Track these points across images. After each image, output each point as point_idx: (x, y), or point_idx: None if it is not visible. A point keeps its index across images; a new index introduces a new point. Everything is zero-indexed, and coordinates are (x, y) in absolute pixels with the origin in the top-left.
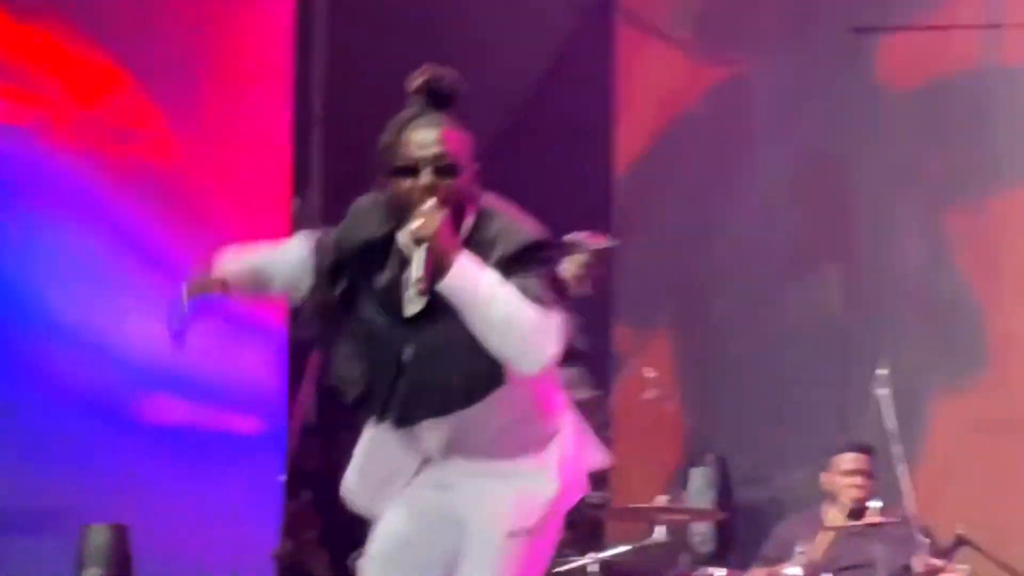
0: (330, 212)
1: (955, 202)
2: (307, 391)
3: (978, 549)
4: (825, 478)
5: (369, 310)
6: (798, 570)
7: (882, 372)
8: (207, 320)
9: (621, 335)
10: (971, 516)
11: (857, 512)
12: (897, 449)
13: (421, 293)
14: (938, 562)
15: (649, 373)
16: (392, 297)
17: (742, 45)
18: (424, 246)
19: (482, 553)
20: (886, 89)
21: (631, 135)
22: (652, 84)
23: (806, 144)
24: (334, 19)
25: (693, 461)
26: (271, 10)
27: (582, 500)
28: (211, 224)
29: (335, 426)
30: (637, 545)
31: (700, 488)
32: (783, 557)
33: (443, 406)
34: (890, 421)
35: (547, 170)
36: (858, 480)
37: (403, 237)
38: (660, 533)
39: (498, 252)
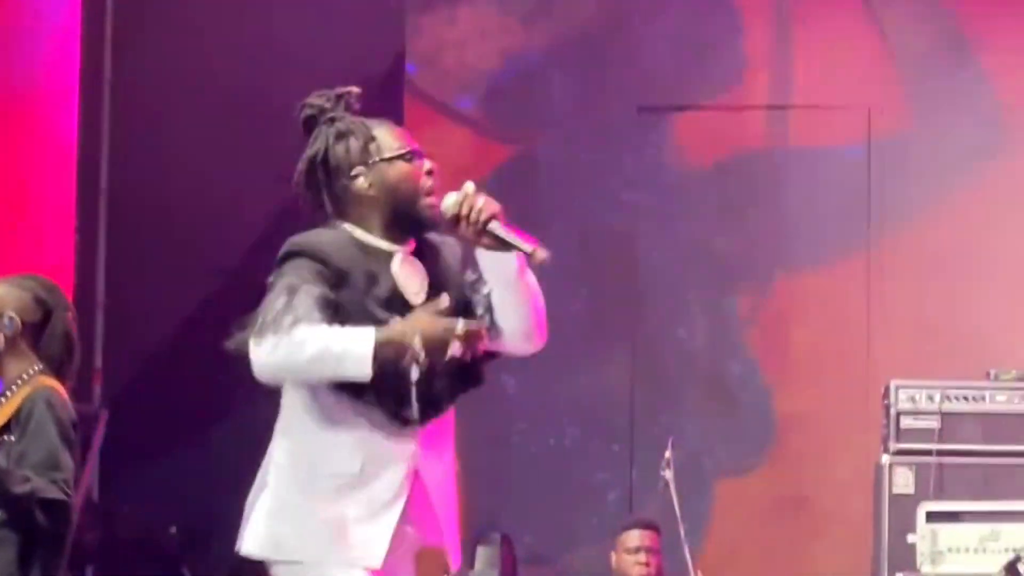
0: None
1: (744, 282)
2: (89, 466)
3: None
4: (613, 557)
5: (376, 316)
6: None
7: (669, 452)
8: None
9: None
10: None
11: None
12: (682, 530)
13: (541, 261)
14: None
15: None
16: (395, 298)
17: (531, 122)
18: (495, 222)
19: None
20: (676, 168)
21: None
22: (441, 160)
23: (596, 221)
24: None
25: (478, 539)
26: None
27: None
28: None
29: (115, 502)
30: None
31: (485, 566)
32: None
33: (454, 390)
34: (676, 501)
35: None
36: (642, 557)
37: (457, 207)
38: None
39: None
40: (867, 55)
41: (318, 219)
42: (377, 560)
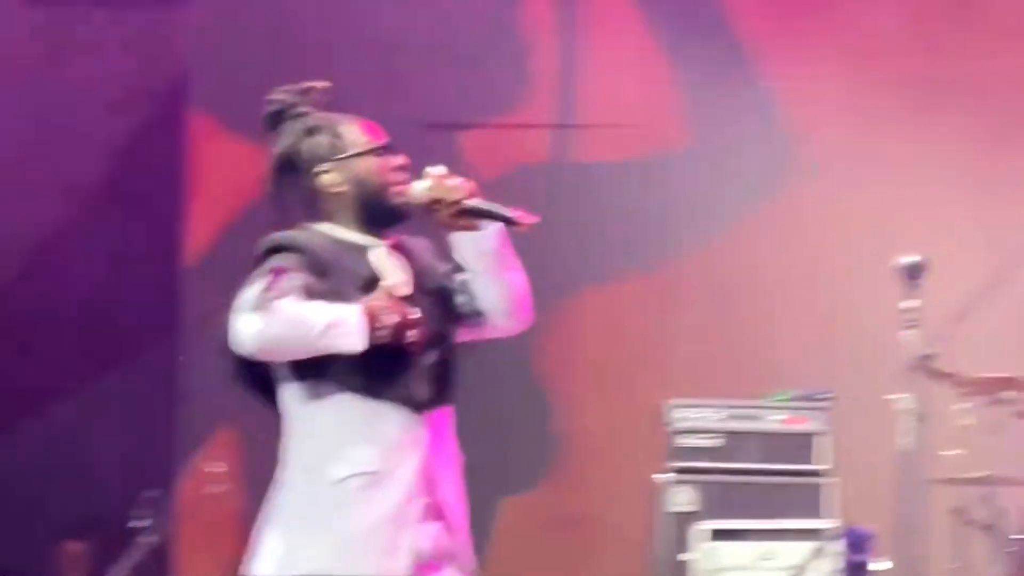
0: None
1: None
2: None
3: None
4: None
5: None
6: None
7: None
8: None
9: (188, 427)
10: None
11: None
12: None
13: (529, 226)
14: None
15: (216, 467)
16: (375, 288)
17: None
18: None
19: None
20: None
21: (201, 227)
22: (224, 175)
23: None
24: None
25: None
26: None
27: None
28: None
29: None
30: None
31: None
32: None
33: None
34: None
35: (121, 261)
36: None
37: (430, 191)
38: None
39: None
40: (650, 73)
41: (286, 220)
42: (406, 568)
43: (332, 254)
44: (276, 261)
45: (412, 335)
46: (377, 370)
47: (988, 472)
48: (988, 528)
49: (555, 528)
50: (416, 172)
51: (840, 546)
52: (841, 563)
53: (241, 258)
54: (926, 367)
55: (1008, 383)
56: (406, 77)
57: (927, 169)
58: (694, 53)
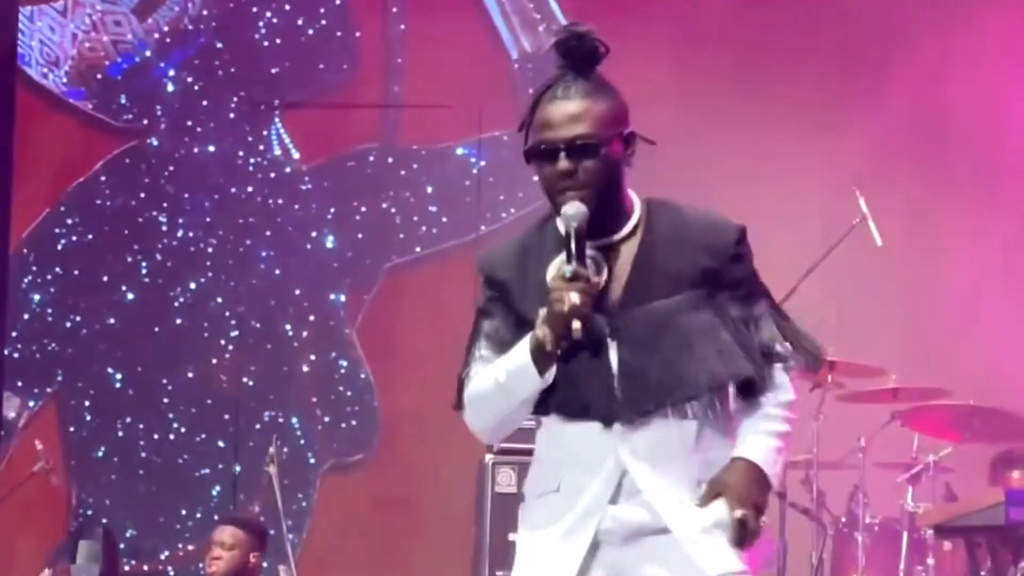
0: None
1: (351, 278)
2: None
3: None
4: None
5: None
6: None
7: (272, 448)
8: None
9: (8, 404)
10: None
11: None
12: (285, 525)
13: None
14: None
15: (37, 445)
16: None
17: (144, 115)
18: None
19: None
20: (286, 163)
21: (29, 204)
22: (53, 153)
23: (204, 215)
24: None
25: (81, 533)
26: None
27: None
28: None
29: None
30: None
31: (86, 560)
32: None
33: (666, 395)
34: (279, 497)
35: None
36: (215, 552)
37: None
38: None
39: (702, 258)
40: (479, 54)
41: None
42: None
43: (518, 266)
44: (480, 298)
45: (576, 328)
46: (561, 386)
47: (809, 455)
48: (809, 511)
49: (379, 507)
50: None
51: None
52: None
53: (68, 237)
54: None
55: (829, 367)
56: (233, 55)
57: (747, 153)
58: (523, 31)
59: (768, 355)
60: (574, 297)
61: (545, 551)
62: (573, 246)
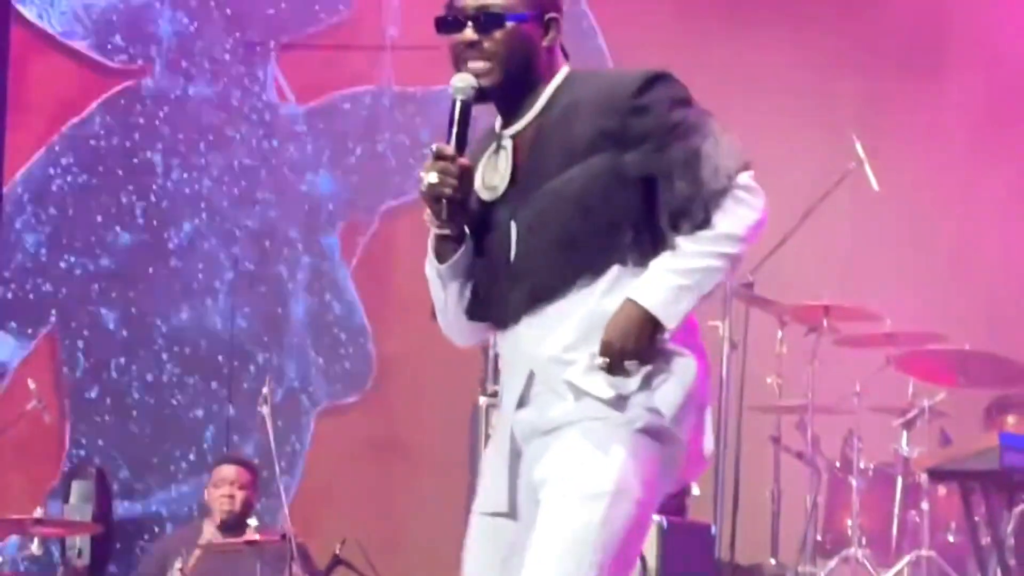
0: None
1: (345, 221)
2: None
3: (353, 568)
4: (206, 493)
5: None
6: None
7: (266, 390)
8: None
9: (2, 344)
10: (351, 534)
11: (235, 528)
12: (278, 466)
13: None
14: None
15: (30, 384)
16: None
17: (139, 55)
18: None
19: (547, 518)
20: (282, 105)
21: (23, 144)
22: (49, 92)
23: (206, 157)
24: None
25: (74, 473)
26: None
27: None
28: None
29: None
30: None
31: (79, 501)
32: (160, 574)
33: (541, 287)
34: (272, 439)
35: None
36: (227, 491)
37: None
38: (36, 545)
39: (597, 120)
40: None
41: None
42: (501, 504)
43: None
44: None
45: (436, 210)
46: (476, 287)
47: (804, 399)
48: (803, 455)
49: (372, 448)
50: None
51: None
52: None
53: (63, 178)
54: (744, 295)
55: (825, 311)
56: None
57: (745, 96)
58: None
59: (678, 214)
60: (431, 176)
61: (488, 468)
62: (455, 120)
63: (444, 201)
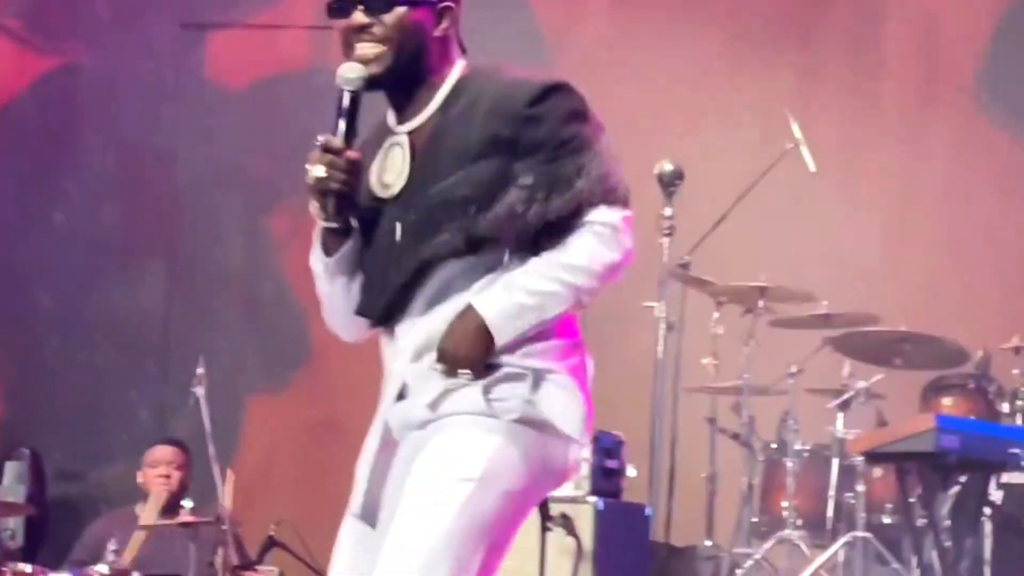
0: None
1: (279, 203)
2: None
3: (288, 550)
4: (140, 474)
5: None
6: (106, 569)
7: (201, 370)
8: None
9: None
10: (286, 516)
11: (170, 510)
12: (212, 447)
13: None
14: (248, 563)
15: None
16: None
17: (73, 35)
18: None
19: (409, 501)
20: (214, 87)
21: None
22: None
23: (135, 138)
24: None
25: (7, 454)
26: None
27: None
28: None
29: None
30: None
31: (12, 482)
32: (96, 558)
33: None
34: (206, 420)
35: None
36: (163, 471)
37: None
38: None
39: (490, 126)
40: None
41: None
42: (354, 506)
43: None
44: None
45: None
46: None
47: (739, 380)
48: (739, 436)
49: (306, 431)
50: None
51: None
52: (589, 468)
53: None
54: (680, 275)
55: (761, 292)
56: None
57: (682, 77)
58: None
59: (555, 224)
60: (318, 170)
61: (363, 459)
62: (343, 111)
63: (331, 195)
